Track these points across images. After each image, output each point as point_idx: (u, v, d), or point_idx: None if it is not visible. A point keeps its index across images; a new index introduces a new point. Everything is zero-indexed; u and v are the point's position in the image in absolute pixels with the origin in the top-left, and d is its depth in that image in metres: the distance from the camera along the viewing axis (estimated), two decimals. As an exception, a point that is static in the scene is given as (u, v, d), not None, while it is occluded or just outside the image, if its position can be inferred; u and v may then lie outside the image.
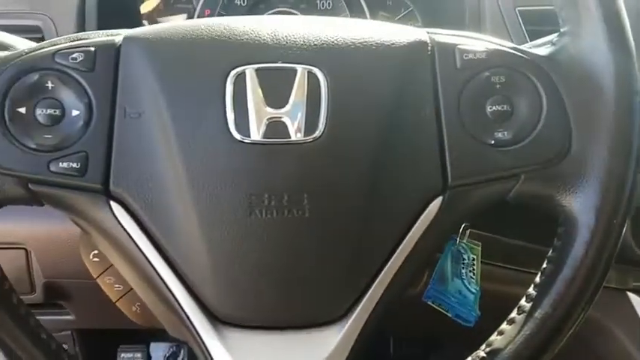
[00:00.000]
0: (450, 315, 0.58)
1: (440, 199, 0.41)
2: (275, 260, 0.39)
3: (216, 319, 0.40)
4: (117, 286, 0.47)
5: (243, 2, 0.73)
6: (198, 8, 0.73)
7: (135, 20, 0.73)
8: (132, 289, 0.46)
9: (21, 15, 0.63)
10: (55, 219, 0.63)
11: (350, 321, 0.40)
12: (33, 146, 0.39)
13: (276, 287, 0.40)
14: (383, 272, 0.40)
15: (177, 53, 0.40)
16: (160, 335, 0.92)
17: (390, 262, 0.40)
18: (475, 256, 0.58)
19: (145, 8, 0.75)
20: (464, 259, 0.58)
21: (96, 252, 0.47)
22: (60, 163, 0.39)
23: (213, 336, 0.40)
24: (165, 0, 0.75)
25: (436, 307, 0.58)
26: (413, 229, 0.40)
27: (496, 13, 0.65)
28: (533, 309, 0.41)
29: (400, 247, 0.40)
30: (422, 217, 0.40)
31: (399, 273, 0.41)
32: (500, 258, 0.67)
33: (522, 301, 0.43)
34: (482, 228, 0.59)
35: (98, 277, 0.48)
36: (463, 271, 0.58)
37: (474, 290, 0.58)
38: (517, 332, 0.41)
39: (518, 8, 0.64)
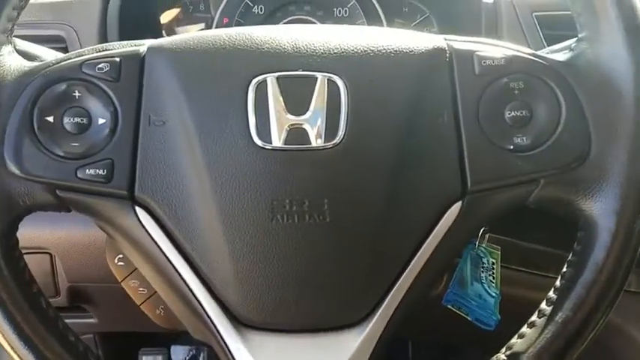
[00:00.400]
0: (470, 318, 0.58)
1: (459, 204, 0.41)
2: (296, 264, 0.40)
3: (239, 322, 0.41)
4: (141, 289, 0.48)
5: (261, 11, 0.74)
6: (217, 17, 0.74)
7: (155, 30, 0.74)
8: (156, 292, 0.47)
9: (45, 25, 0.65)
10: (78, 225, 0.65)
11: (370, 324, 0.41)
12: (61, 154, 0.40)
13: (298, 291, 0.40)
14: (403, 276, 0.41)
15: (199, 62, 0.41)
16: (181, 338, 0.93)
17: (409, 267, 0.41)
18: (495, 260, 0.58)
19: (164, 18, 0.76)
20: (483, 263, 0.58)
21: (121, 256, 0.48)
22: (87, 170, 0.40)
23: (235, 338, 0.40)
24: (184, 9, 0.76)
25: (456, 311, 0.58)
26: (432, 234, 0.41)
27: (513, 19, 0.65)
28: (553, 312, 0.41)
29: (419, 252, 0.41)
30: (441, 222, 0.41)
31: (419, 277, 0.41)
32: (519, 262, 0.67)
33: (543, 305, 0.43)
34: (500, 232, 0.60)
35: (123, 280, 0.49)
36: (483, 275, 0.58)
37: (493, 294, 0.58)
38: (538, 335, 0.41)
39: (535, 13, 0.64)
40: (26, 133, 0.40)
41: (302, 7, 0.74)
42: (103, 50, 0.42)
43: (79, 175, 0.40)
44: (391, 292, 0.41)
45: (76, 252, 0.66)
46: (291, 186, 0.39)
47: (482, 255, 0.58)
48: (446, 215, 0.41)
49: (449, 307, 0.57)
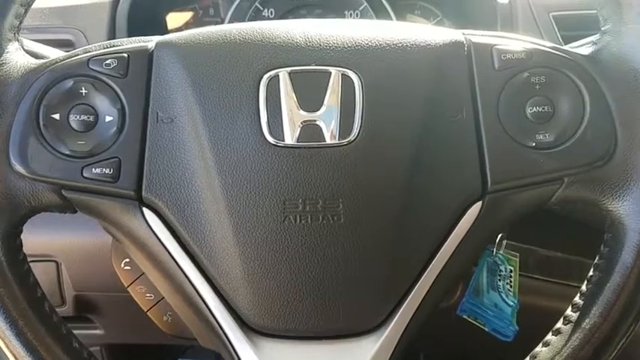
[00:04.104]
0: (486, 329, 0.56)
1: (479, 204, 0.39)
2: (309, 267, 0.38)
3: (250, 329, 0.39)
4: (148, 295, 0.47)
5: (271, 14, 0.73)
6: (227, 21, 0.73)
7: (164, 34, 0.74)
8: (163, 298, 0.45)
9: (54, 29, 0.64)
10: (85, 231, 0.63)
11: (387, 331, 0.39)
12: (67, 152, 0.39)
13: (311, 295, 0.38)
14: (420, 280, 0.39)
15: (209, 57, 0.40)
16: (189, 351, 0.91)
17: (427, 270, 0.39)
18: (513, 268, 0.56)
19: (174, 23, 0.75)
20: (500, 270, 0.56)
21: (127, 260, 0.47)
22: (93, 169, 0.39)
23: (246, 346, 0.39)
24: (194, 14, 0.76)
25: (472, 321, 0.56)
26: (451, 236, 0.39)
27: (529, 19, 0.63)
28: (580, 319, 0.39)
29: (438, 255, 0.39)
30: (460, 223, 0.39)
31: (437, 281, 0.39)
32: (537, 270, 0.65)
33: (568, 311, 0.41)
34: (517, 239, 0.58)
35: (129, 286, 0.47)
36: (500, 283, 0.56)
37: (511, 303, 0.56)
38: (564, 343, 0.39)
39: (552, 13, 0.63)
40: (32, 131, 0.39)
41: (313, 10, 0.73)
42: (111, 46, 0.41)
43: (85, 174, 0.39)
44: (408, 297, 0.39)
45: (82, 259, 0.65)
46: (304, 185, 0.38)
47: (499, 262, 0.56)
48: (465, 216, 0.39)
49: (464, 317, 0.55)
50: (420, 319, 0.39)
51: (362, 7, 0.73)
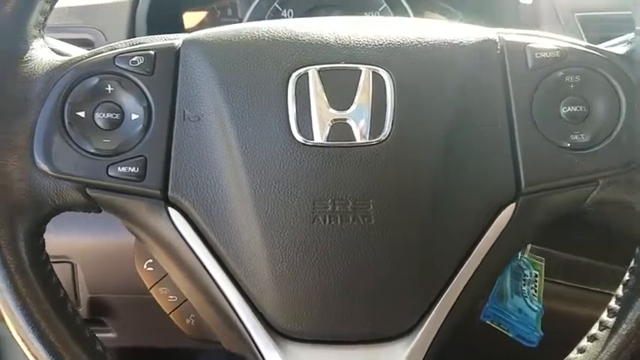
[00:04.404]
0: (511, 335, 0.55)
1: (512, 206, 0.38)
2: (339, 270, 0.37)
3: (277, 332, 0.38)
4: (171, 297, 0.46)
5: (290, 15, 0.72)
6: (245, 21, 0.73)
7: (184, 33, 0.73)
8: (187, 300, 0.44)
9: (73, 29, 0.64)
10: (102, 232, 0.63)
11: (418, 336, 0.38)
12: (92, 151, 0.38)
13: (340, 298, 0.37)
14: (452, 284, 0.38)
15: (237, 55, 0.39)
16: (203, 355, 0.90)
17: (459, 274, 0.38)
18: (538, 272, 0.55)
19: (190, 22, 0.75)
20: (525, 275, 0.55)
21: (150, 261, 0.46)
22: (119, 168, 0.38)
23: (273, 350, 0.38)
24: (210, 14, 0.75)
25: (495, 327, 0.55)
26: (484, 238, 0.38)
27: (553, 20, 0.62)
28: (617, 324, 0.38)
29: (470, 257, 0.38)
30: (493, 225, 0.38)
31: (469, 285, 0.38)
32: (563, 275, 0.64)
33: (604, 316, 0.40)
34: (542, 243, 0.57)
35: (152, 287, 0.46)
36: (524, 288, 0.55)
37: (536, 308, 0.55)
38: (601, 349, 0.38)
39: (577, 14, 0.62)
40: (56, 129, 0.38)
41: (332, 11, 0.72)
42: (137, 44, 0.40)
43: (110, 173, 0.38)
44: (440, 301, 0.38)
45: (99, 261, 0.64)
46: (334, 185, 0.37)
47: (524, 266, 0.55)
48: (498, 218, 0.38)
49: (488, 322, 0.54)
50: (452, 323, 0.38)
51: (382, 8, 0.72)
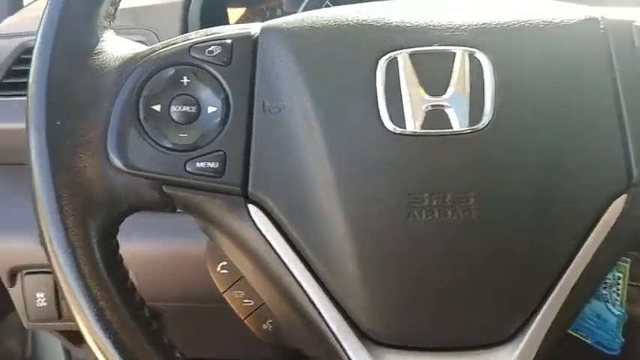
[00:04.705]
0: (589, 341, 0.51)
1: (623, 197, 0.35)
2: (436, 269, 0.34)
3: (368, 338, 0.35)
4: (247, 301, 0.43)
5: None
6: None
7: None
8: (264, 304, 0.42)
9: (125, 30, 0.63)
10: (157, 238, 0.61)
11: (523, 342, 0.35)
12: (169, 146, 0.36)
13: (438, 301, 0.35)
14: (558, 285, 0.35)
15: (320, 41, 0.37)
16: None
17: (567, 272, 0.35)
18: (621, 275, 0.52)
19: (233, 20, 0.73)
20: (607, 277, 0.52)
21: (224, 263, 0.44)
22: (197, 164, 0.36)
23: (363, 356, 0.35)
24: (260, 14, 0.73)
25: (572, 333, 0.52)
26: (592, 234, 0.35)
27: None
28: None
29: (578, 255, 0.35)
30: (603, 219, 0.35)
31: (577, 286, 0.35)
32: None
33: None
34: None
35: (225, 291, 0.44)
36: (605, 291, 0.52)
37: (618, 313, 0.51)
38: None
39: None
40: (131, 124, 0.36)
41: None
42: (213, 33, 0.38)
43: (188, 168, 0.36)
44: (546, 304, 0.35)
45: (152, 268, 0.62)
46: (431, 177, 0.34)
47: (605, 269, 0.52)
48: (608, 212, 0.35)
49: (565, 328, 0.51)
50: (559, 328, 0.35)
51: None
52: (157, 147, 0.36)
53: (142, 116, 0.36)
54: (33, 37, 0.66)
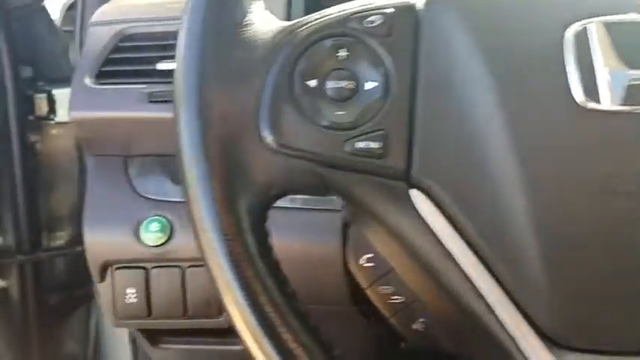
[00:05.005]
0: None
1: None
2: (634, 265, 0.30)
3: (551, 341, 0.32)
4: (395, 297, 0.39)
5: None
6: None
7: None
8: (415, 301, 0.38)
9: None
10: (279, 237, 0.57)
11: None
12: (325, 124, 0.33)
13: (635, 301, 0.31)
14: None
15: (494, 9, 0.33)
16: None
17: None
18: None
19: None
20: None
21: (370, 255, 0.40)
22: (356, 144, 0.33)
23: None
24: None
25: None
26: None
27: None
28: None
29: None
30: None
31: None
32: None
33: None
34: None
35: (369, 286, 0.40)
36: None
37: None
38: None
39: None
40: (285, 100, 0.33)
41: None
42: (370, 3, 0.35)
43: (346, 148, 0.33)
44: None
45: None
46: (631, 158, 0.30)
47: None
48: None
49: None
50: None
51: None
52: (313, 125, 0.33)
53: (296, 92, 0.33)
54: (130, 25, 0.64)
